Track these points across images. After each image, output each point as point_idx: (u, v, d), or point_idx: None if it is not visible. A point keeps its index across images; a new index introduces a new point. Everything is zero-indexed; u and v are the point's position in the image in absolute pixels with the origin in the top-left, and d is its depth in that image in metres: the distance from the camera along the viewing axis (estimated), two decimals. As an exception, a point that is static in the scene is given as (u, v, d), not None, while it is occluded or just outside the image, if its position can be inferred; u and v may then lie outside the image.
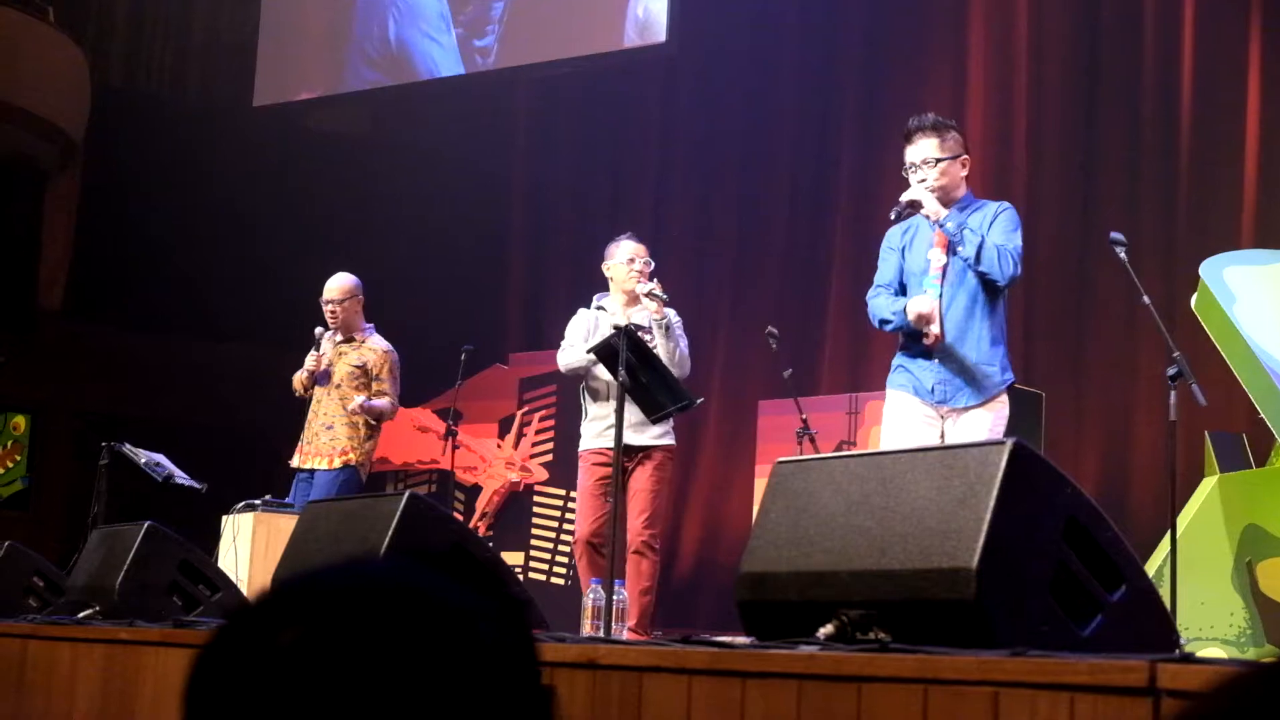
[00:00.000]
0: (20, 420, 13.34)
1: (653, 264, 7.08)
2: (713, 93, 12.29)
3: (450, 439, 8.87)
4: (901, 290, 5.50)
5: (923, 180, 5.37)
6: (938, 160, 5.39)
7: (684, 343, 6.88)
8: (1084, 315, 9.79)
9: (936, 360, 5.30)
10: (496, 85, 13.14)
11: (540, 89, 13.37)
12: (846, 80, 11.49)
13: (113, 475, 8.43)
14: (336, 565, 1.04)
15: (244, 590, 6.39)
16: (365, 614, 0.98)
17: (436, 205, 13.51)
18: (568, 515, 10.51)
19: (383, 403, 7.90)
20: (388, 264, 13.52)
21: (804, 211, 11.52)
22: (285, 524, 7.01)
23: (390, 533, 4.04)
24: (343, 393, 7.87)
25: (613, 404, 6.73)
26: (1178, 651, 2.71)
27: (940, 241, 5.34)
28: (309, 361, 7.95)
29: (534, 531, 10.91)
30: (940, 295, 5.30)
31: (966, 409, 5.28)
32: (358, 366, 7.91)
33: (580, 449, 7.09)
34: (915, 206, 5.33)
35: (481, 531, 10.67)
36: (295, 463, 7.94)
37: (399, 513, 4.07)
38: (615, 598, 5.27)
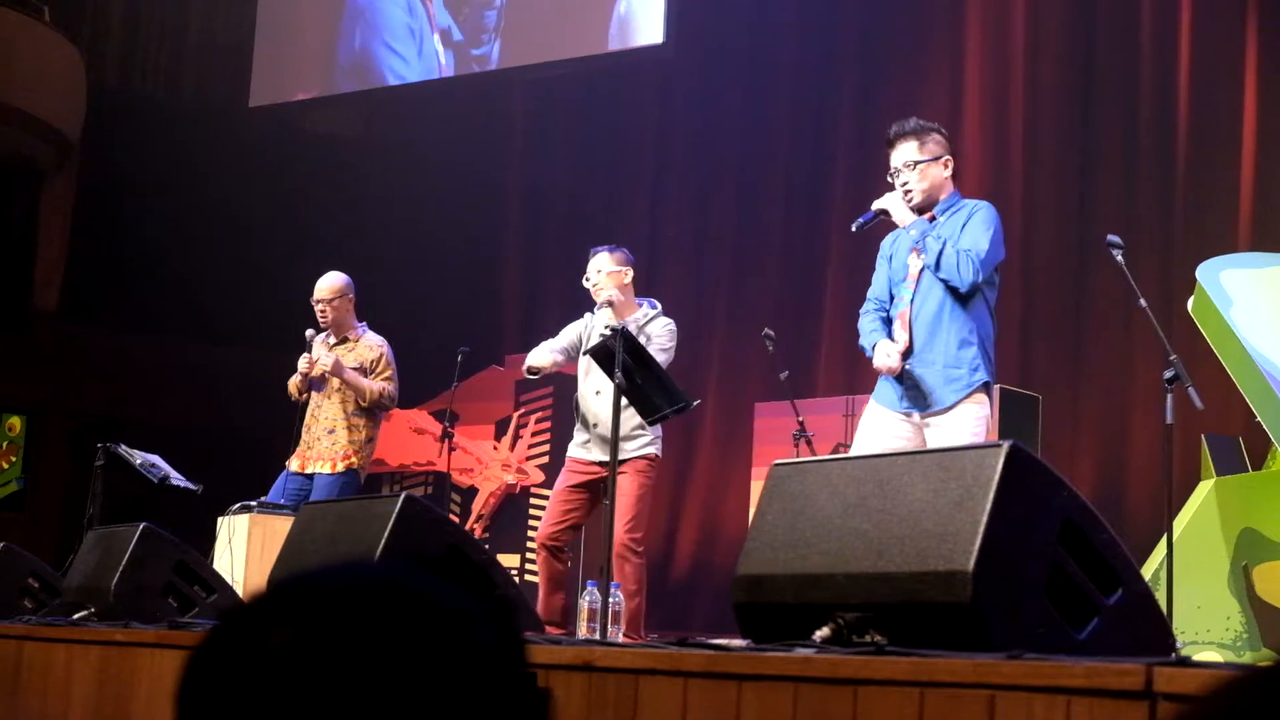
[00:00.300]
0: (16, 421, 13.33)
1: (598, 275, 6.98)
2: (710, 93, 12.30)
3: (446, 441, 8.87)
4: (893, 297, 5.53)
5: (905, 184, 5.42)
6: (917, 163, 5.43)
7: (661, 354, 6.70)
8: (1081, 318, 9.79)
9: (905, 367, 5.34)
10: (492, 87, 13.15)
11: (536, 90, 13.37)
12: (843, 81, 11.50)
13: (108, 476, 8.41)
14: (328, 566, 1.04)
15: (239, 592, 6.39)
16: (357, 615, 0.98)
17: (433, 207, 13.51)
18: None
19: (379, 385, 7.80)
20: (384, 265, 13.52)
21: (801, 212, 11.52)
22: (281, 525, 7.00)
23: (386, 535, 4.03)
24: (343, 396, 7.83)
25: (589, 415, 6.88)
26: (1174, 655, 2.70)
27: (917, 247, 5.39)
28: (301, 364, 7.91)
29: (530, 534, 10.91)
30: (911, 301, 5.35)
31: (940, 413, 5.30)
32: (355, 368, 7.87)
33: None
34: (885, 214, 5.42)
35: (477, 533, 10.66)
36: (294, 466, 7.90)
37: (395, 515, 4.07)
38: (611, 600, 5.27)
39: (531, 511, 10.97)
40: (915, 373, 5.31)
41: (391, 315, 12.47)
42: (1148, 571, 6.25)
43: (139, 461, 8.36)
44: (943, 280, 5.29)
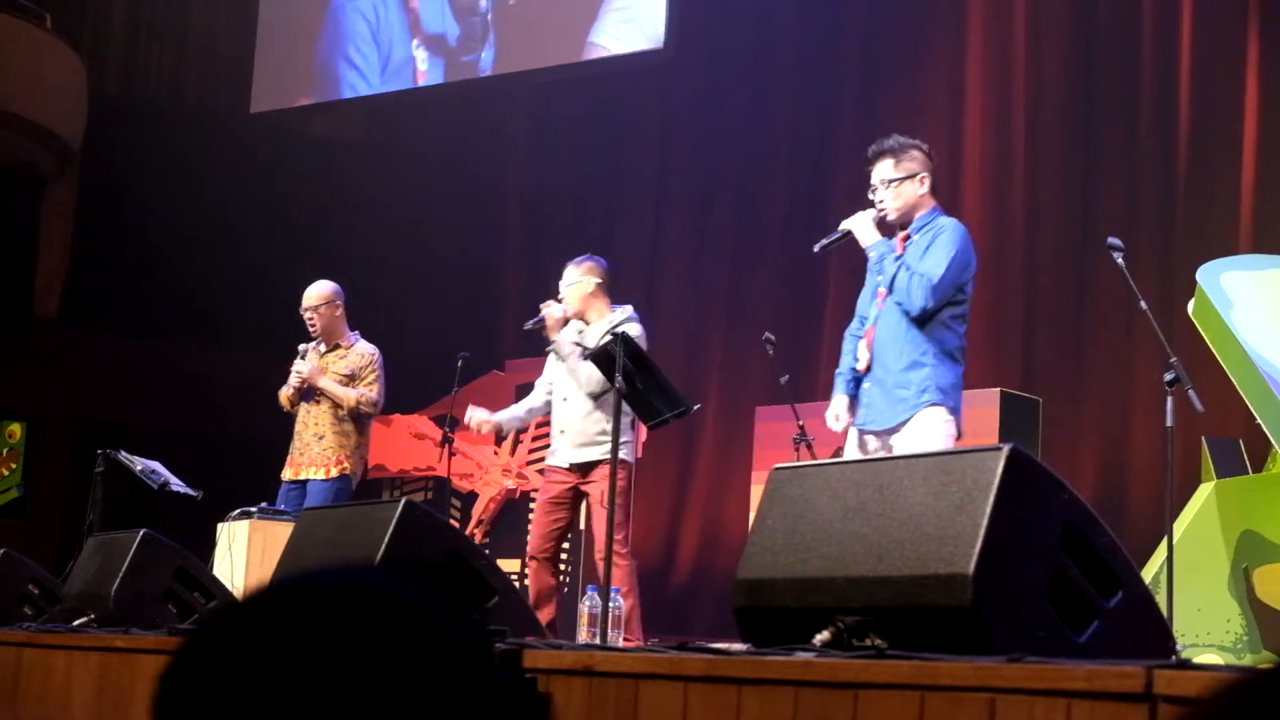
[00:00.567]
0: (16, 428, 13.32)
1: (564, 290, 7.09)
2: (711, 96, 12.30)
3: (447, 446, 8.86)
4: None
5: (880, 201, 5.53)
6: (890, 181, 5.52)
7: (583, 367, 6.76)
8: (1081, 320, 9.79)
9: (865, 384, 5.48)
10: (494, 92, 13.16)
11: (538, 95, 13.37)
12: (845, 83, 11.50)
13: (108, 482, 8.41)
14: (301, 573, 1.05)
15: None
16: (327, 621, 1.00)
17: (433, 212, 13.51)
18: (564, 522, 10.50)
19: (358, 392, 7.86)
20: (384, 270, 13.54)
21: (802, 216, 11.51)
22: (281, 531, 7.00)
23: (386, 540, 4.03)
24: (331, 402, 7.88)
25: (558, 422, 6.99)
26: (1174, 658, 2.70)
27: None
28: (293, 379, 7.96)
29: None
30: (876, 320, 5.46)
31: (890, 431, 5.39)
32: (346, 375, 7.92)
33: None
34: (850, 235, 5.58)
35: (478, 539, 10.66)
36: (288, 475, 7.95)
37: (395, 520, 4.07)
38: (611, 605, 5.27)
39: (531, 517, 10.96)
40: (871, 391, 5.44)
41: (392, 320, 12.49)
42: (1148, 574, 6.25)
43: (139, 468, 8.36)
44: (897, 303, 5.37)
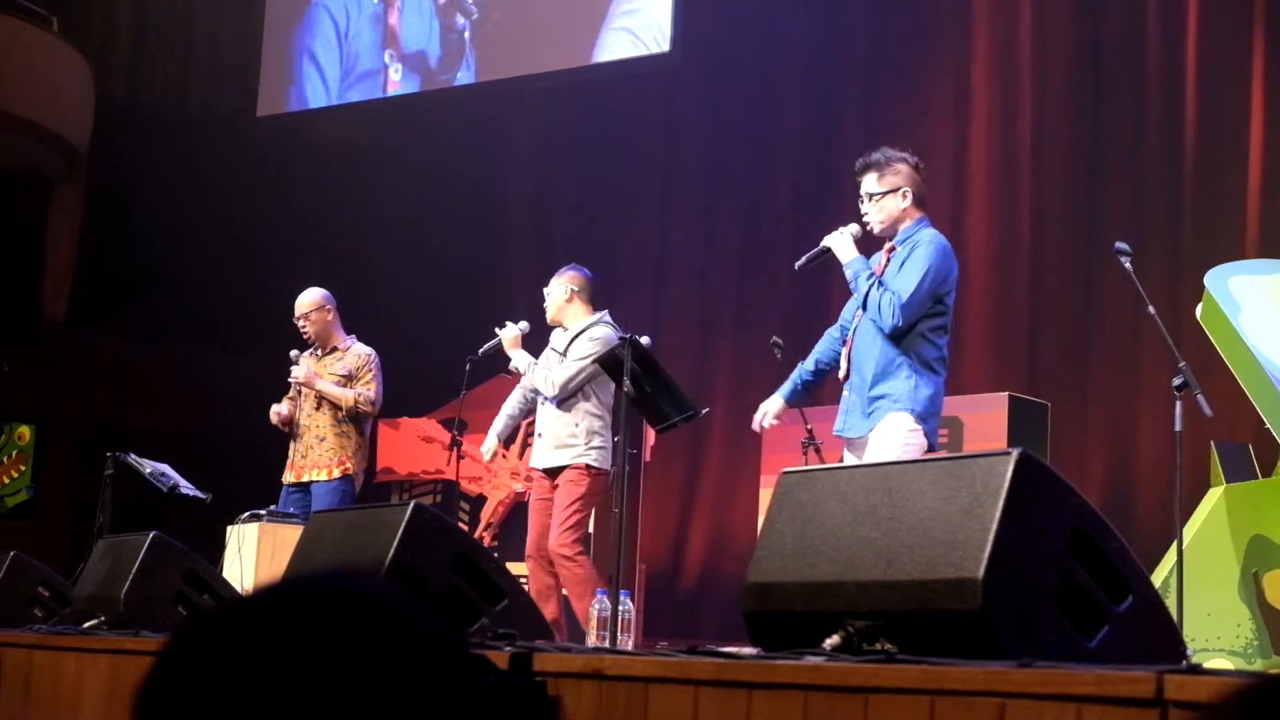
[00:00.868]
0: (25, 430, 13.34)
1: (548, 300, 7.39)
2: (716, 102, 12.30)
3: (455, 449, 8.87)
4: None
5: (864, 214, 5.69)
6: (873, 195, 5.66)
7: (575, 362, 7.05)
8: (1089, 325, 9.78)
9: (844, 392, 5.66)
10: (499, 97, 13.16)
11: (543, 99, 13.37)
12: (850, 88, 11.50)
13: (118, 485, 8.43)
14: (282, 580, 1.06)
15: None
16: (307, 627, 0.99)
17: (440, 216, 13.51)
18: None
19: (355, 392, 7.96)
20: (391, 275, 13.54)
21: (808, 220, 11.50)
22: (290, 534, 7.02)
23: (395, 543, 4.04)
24: (330, 404, 8.00)
25: (537, 424, 7.21)
26: (1185, 662, 2.70)
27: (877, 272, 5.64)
28: (285, 406, 8.12)
29: (539, 542, 10.90)
30: (854, 332, 5.63)
31: (864, 439, 5.53)
32: (343, 376, 8.05)
33: None
34: (830, 252, 5.77)
35: (486, 541, 10.66)
36: (289, 479, 8.06)
37: (404, 523, 4.07)
38: (620, 609, 5.27)
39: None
40: (849, 399, 5.61)
41: (400, 324, 12.50)
42: (1157, 578, 6.24)
43: (148, 470, 8.38)
44: (872, 320, 5.53)
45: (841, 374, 5.66)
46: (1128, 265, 5.81)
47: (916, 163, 5.73)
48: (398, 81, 12.93)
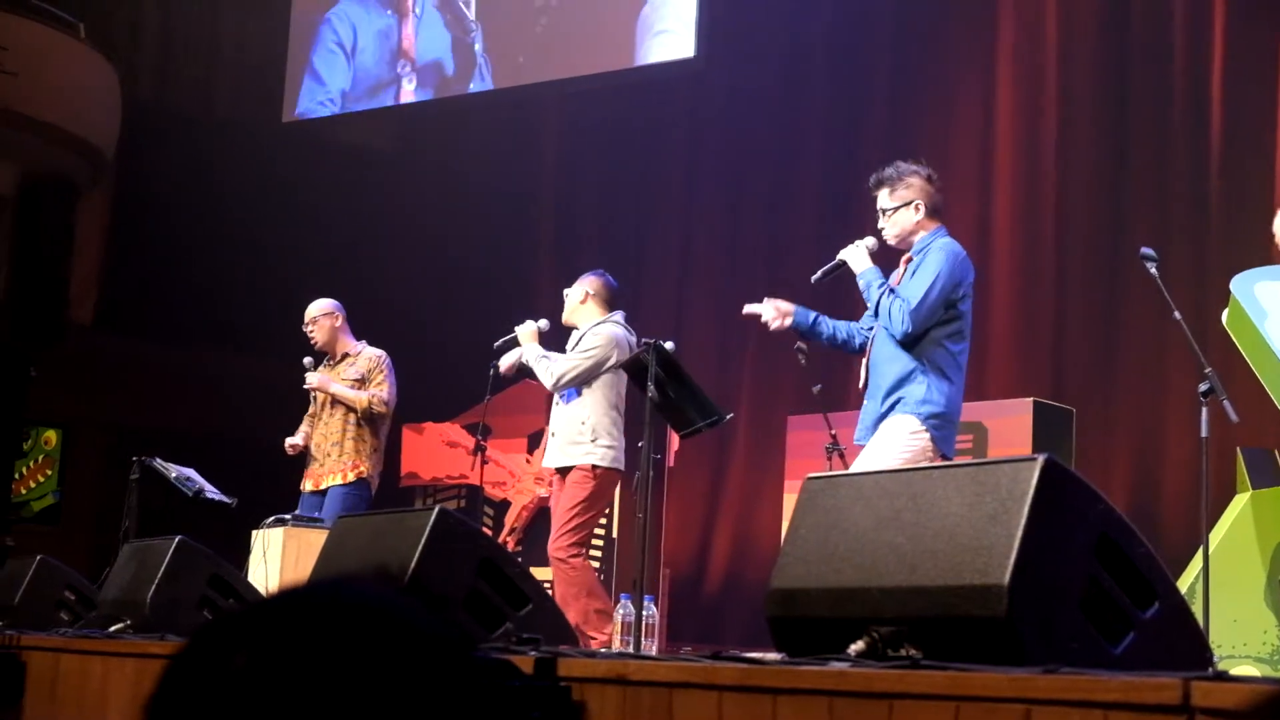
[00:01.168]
0: (51, 435, 13.40)
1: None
2: (741, 106, 12.29)
3: (479, 454, 8.88)
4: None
5: (881, 229, 5.82)
6: (885, 210, 5.78)
7: (578, 357, 7.12)
8: (1114, 331, 9.75)
9: (864, 401, 5.74)
10: (524, 102, 13.19)
11: (568, 105, 13.39)
12: (875, 94, 11.48)
13: (143, 490, 8.47)
14: (291, 588, 1.06)
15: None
16: (317, 636, 1.00)
17: (463, 221, 13.53)
18: (595, 530, 10.51)
19: (369, 393, 8.07)
20: (415, 279, 13.56)
21: (833, 224, 11.50)
22: (315, 539, 7.04)
23: (420, 548, 4.04)
24: (344, 409, 8.14)
25: (552, 421, 7.26)
26: (1211, 669, 2.69)
27: (894, 283, 5.75)
28: (299, 438, 8.29)
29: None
30: (872, 342, 5.73)
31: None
32: (356, 379, 8.18)
33: None
34: (846, 264, 5.92)
35: (510, 547, 10.67)
36: (308, 487, 8.16)
37: (429, 528, 4.08)
38: (645, 613, 5.27)
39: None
40: (866, 407, 5.69)
41: (423, 329, 12.52)
42: (1183, 585, 6.22)
43: (174, 475, 8.42)
44: (885, 327, 5.63)
45: (861, 384, 5.74)
46: (1153, 270, 5.80)
47: (929, 174, 5.81)
48: (411, 91, 12.99)
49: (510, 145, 13.72)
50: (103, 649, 4.92)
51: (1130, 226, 9.66)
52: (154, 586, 5.34)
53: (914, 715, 2.38)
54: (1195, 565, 6.26)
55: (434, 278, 13.63)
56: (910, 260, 5.72)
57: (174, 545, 5.45)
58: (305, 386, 8.28)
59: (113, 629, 5.41)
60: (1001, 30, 10.76)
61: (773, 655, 3.10)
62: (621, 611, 5.46)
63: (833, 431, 7.64)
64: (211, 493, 8.45)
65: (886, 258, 5.91)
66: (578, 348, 7.16)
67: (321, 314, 8.37)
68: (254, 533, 7.89)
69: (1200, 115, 9.56)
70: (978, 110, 10.77)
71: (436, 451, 11.68)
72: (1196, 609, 5.31)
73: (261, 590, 6.48)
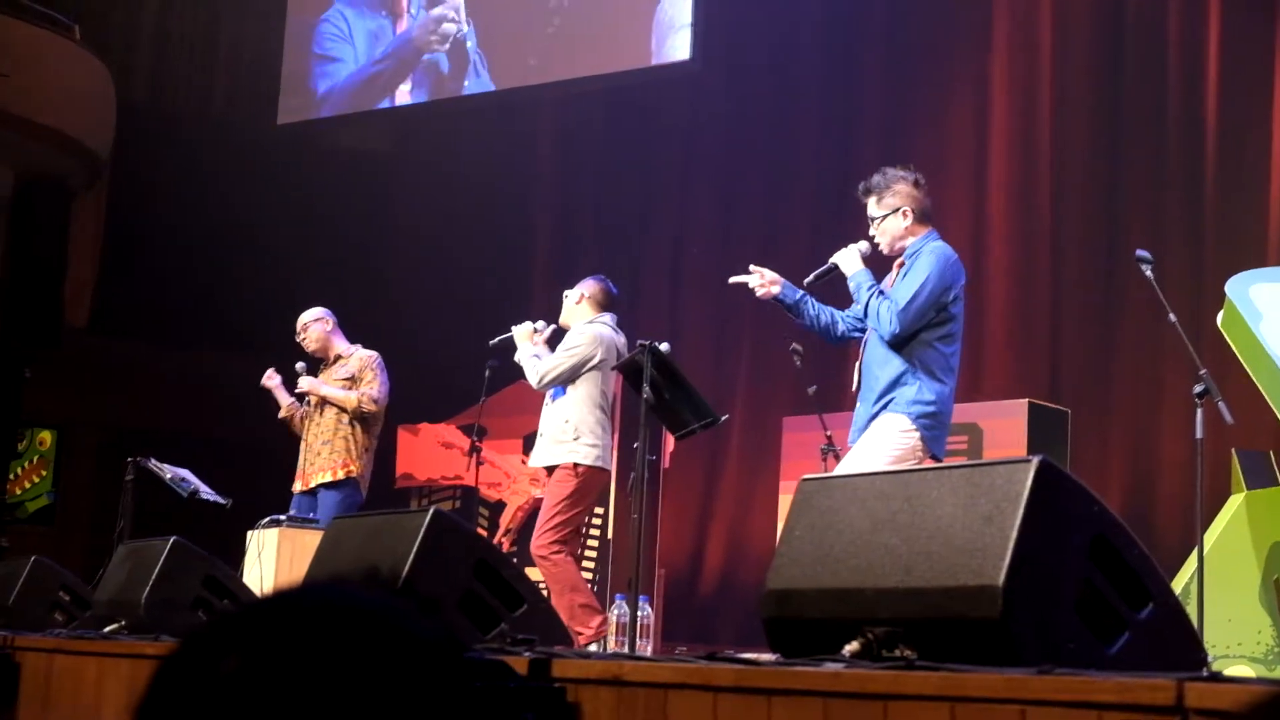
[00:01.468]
0: (46, 435, 13.39)
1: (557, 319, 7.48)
2: (736, 110, 12.29)
3: (474, 455, 8.90)
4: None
5: (872, 235, 5.83)
6: (874, 219, 5.81)
7: (563, 354, 7.14)
8: (1110, 332, 9.75)
9: (857, 404, 5.74)
10: (520, 104, 13.18)
11: (564, 107, 13.39)
12: (869, 99, 11.49)
13: (138, 490, 8.47)
14: (280, 592, 1.05)
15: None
16: (308, 640, 0.99)
17: (460, 223, 13.53)
18: (590, 531, 10.51)
19: (359, 392, 8.11)
20: (411, 281, 13.56)
21: (827, 227, 11.50)
22: (310, 539, 7.03)
23: (415, 549, 4.04)
24: (335, 409, 8.18)
25: (541, 420, 7.25)
26: (1205, 670, 2.70)
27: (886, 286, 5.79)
28: (287, 399, 8.42)
29: (558, 548, 10.89)
30: (864, 345, 5.78)
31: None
32: (347, 380, 8.24)
33: None
34: (838, 268, 5.95)
35: (505, 547, 10.67)
36: (298, 488, 8.19)
37: (423, 529, 4.08)
38: (640, 614, 5.27)
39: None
40: (858, 410, 5.70)
41: (420, 331, 12.52)
42: (1178, 585, 6.23)
43: (169, 476, 8.43)
44: (874, 328, 5.67)
45: (854, 387, 5.77)
46: (1149, 272, 5.81)
47: (916, 179, 5.82)
48: (406, 92, 13.00)
49: (506, 147, 13.71)
50: (97, 650, 4.91)
51: (1125, 228, 9.67)
52: (149, 587, 5.33)
53: (909, 716, 2.38)
54: (1190, 566, 6.27)
55: (429, 279, 13.63)
56: (902, 265, 5.74)
57: (169, 546, 5.44)
58: (296, 390, 8.34)
59: (107, 630, 5.41)
60: (996, 32, 10.76)
61: (768, 656, 3.10)
62: (617, 612, 5.46)
63: (828, 433, 7.64)
64: (206, 493, 8.45)
65: (880, 264, 5.92)
66: (562, 346, 7.17)
67: (312, 320, 8.46)
68: (249, 533, 7.89)
69: (1195, 117, 9.57)
70: (972, 112, 10.77)
71: (432, 452, 11.67)
72: (1191, 609, 5.32)
73: (256, 591, 6.47)
